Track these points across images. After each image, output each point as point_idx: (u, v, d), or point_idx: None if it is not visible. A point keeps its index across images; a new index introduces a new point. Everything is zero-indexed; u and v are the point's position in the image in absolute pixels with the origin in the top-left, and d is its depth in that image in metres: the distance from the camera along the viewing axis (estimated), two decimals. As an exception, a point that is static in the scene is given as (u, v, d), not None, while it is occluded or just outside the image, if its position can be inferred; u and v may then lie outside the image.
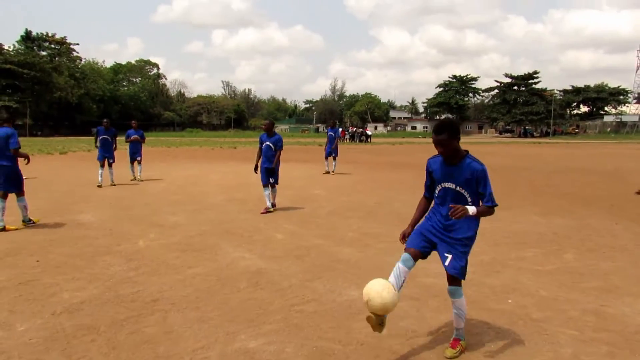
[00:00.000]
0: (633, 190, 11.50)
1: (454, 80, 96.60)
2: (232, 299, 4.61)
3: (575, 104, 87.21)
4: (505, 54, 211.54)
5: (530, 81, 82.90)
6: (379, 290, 3.27)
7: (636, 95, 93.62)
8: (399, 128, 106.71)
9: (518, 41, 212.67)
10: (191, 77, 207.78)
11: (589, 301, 4.50)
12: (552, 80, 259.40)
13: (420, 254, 3.53)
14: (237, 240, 6.95)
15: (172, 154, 27.70)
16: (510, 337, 3.77)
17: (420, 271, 5.05)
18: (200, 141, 47.79)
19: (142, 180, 13.78)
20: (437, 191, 3.63)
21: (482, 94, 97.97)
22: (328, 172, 16.27)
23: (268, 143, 9.27)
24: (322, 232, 7.44)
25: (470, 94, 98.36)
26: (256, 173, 9.43)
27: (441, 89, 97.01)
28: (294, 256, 6.09)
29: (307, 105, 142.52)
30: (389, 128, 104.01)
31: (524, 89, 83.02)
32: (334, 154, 16.43)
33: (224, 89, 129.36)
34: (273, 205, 9.39)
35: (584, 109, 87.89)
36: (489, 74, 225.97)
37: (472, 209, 3.35)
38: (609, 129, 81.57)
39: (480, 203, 3.46)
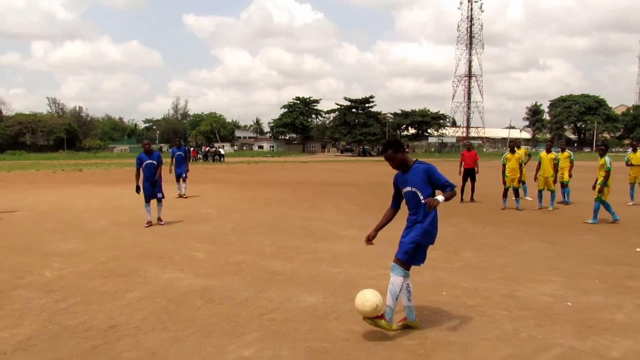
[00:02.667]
0: (478, 202, 13.56)
1: (298, 101, 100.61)
2: (197, 317, 4.61)
3: (404, 126, 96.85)
4: (340, 78, 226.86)
5: (367, 105, 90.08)
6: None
7: (452, 120, 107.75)
8: (244, 147, 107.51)
9: (351, 67, 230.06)
10: (5, 92, 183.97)
11: (501, 288, 5.45)
12: (382, 104, 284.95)
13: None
14: (158, 262, 6.74)
15: (7, 179, 24.50)
16: (460, 320, 4.46)
17: (363, 276, 5.58)
18: (29, 164, 42.58)
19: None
20: (404, 197, 4.28)
21: (324, 116, 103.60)
22: (181, 196, 14.84)
23: (151, 161, 9.91)
24: (239, 249, 7.56)
25: (314, 115, 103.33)
26: (138, 194, 9.93)
27: (286, 109, 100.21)
28: (229, 272, 6.17)
29: (148, 125, 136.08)
30: (235, 147, 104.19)
31: (361, 111, 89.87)
32: (184, 175, 15.19)
33: (50, 107, 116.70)
34: (159, 219, 9.99)
35: (412, 130, 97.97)
36: (326, 96, 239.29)
37: (440, 198, 4.01)
38: (433, 149, 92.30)
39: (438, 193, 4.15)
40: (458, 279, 5.79)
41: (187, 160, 15.65)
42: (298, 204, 13.74)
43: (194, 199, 14.74)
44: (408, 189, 4.20)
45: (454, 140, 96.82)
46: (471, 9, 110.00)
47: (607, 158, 10.15)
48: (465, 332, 4.20)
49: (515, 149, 12.64)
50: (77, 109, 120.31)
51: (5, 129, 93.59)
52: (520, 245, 7.84)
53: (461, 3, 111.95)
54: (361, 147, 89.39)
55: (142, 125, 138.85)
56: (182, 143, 16.99)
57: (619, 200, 13.59)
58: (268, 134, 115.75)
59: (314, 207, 12.83)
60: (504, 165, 12.51)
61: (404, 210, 4.40)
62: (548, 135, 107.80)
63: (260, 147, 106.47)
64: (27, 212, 11.87)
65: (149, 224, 9.77)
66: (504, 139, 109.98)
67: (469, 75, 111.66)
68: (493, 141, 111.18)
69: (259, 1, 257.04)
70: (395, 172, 4.39)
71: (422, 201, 4.10)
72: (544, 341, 4.00)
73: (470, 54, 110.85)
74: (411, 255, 4.16)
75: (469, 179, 13.57)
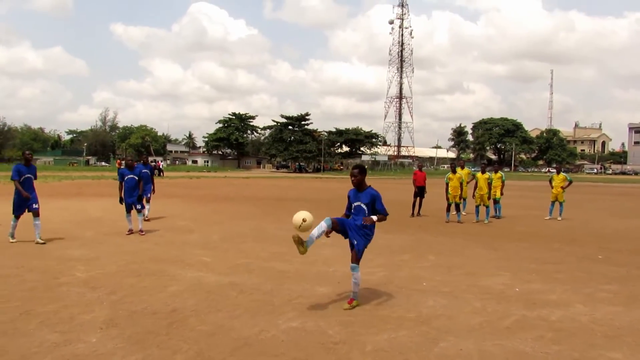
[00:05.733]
0: (424, 216, 15.39)
1: (234, 117, 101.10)
2: (239, 302, 5.76)
3: (338, 143, 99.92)
4: (273, 94, 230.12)
5: (303, 122, 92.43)
6: (300, 216, 5.48)
7: (383, 139, 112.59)
8: (177, 162, 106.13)
9: (284, 84, 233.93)
10: None
11: (465, 280, 7.01)
12: (315, 122, 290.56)
13: (337, 227, 5.64)
14: (174, 265, 7.73)
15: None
16: (442, 300, 5.93)
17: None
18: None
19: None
20: (352, 208, 5.91)
21: (259, 132, 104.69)
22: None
23: (132, 176, 10.99)
24: (238, 254, 8.67)
25: (249, 131, 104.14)
26: (122, 204, 10.96)
27: (221, 124, 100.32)
28: (243, 272, 7.31)
29: (72, 136, 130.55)
30: (168, 162, 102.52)
31: (297, 129, 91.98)
32: (148, 195, 13.56)
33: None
34: (140, 230, 10.88)
35: (345, 148, 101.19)
36: (260, 112, 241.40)
37: (374, 218, 5.70)
38: (366, 167, 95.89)
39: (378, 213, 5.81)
40: (431, 275, 7.30)
41: (152, 179, 14.30)
42: (263, 217, 14.89)
43: (162, 211, 15.43)
44: (358, 203, 5.84)
45: (386, 158, 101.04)
46: (402, 34, 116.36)
47: None
48: (448, 308, 5.68)
49: (458, 169, 14.58)
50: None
51: None
52: (470, 250, 9.54)
53: (392, 29, 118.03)
54: (297, 164, 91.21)
55: (65, 137, 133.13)
56: (149, 159, 16.72)
57: (540, 215, 15.90)
58: (201, 149, 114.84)
59: (280, 220, 14.02)
60: (447, 184, 14.37)
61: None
62: (471, 155, 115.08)
63: (195, 161, 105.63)
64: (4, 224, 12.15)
65: (130, 231, 10.82)
66: (431, 158, 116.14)
67: (400, 97, 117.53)
68: (422, 160, 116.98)
69: (192, 14, 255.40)
70: (348, 188, 6.05)
71: (366, 214, 5.75)
72: (505, 312, 5.55)
73: (401, 77, 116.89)
74: (361, 257, 5.76)
75: (418, 195, 15.36)
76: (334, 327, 4.97)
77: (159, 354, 4.24)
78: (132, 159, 11.68)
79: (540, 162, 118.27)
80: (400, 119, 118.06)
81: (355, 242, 5.67)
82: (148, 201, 14.23)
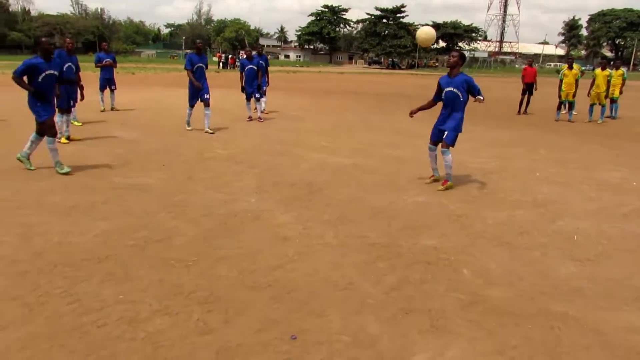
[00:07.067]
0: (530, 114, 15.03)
1: (326, 10, 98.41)
2: (365, 180, 6.46)
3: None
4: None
5: (398, 15, 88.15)
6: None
7: (484, 34, 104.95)
8: (270, 56, 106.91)
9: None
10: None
11: (579, 173, 7.18)
12: (411, 14, 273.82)
13: (437, 142, 6.23)
14: (298, 147, 8.54)
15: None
16: (556, 189, 6.23)
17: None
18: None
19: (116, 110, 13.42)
20: (443, 94, 6.13)
21: (352, 26, 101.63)
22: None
23: (251, 66, 11.61)
24: (354, 141, 9.31)
25: (342, 25, 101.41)
26: (243, 93, 11.82)
27: (313, 18, 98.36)
28: (362, 156, 7.97)
29: (170, 30, 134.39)
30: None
31: (392, 22, 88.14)
32: (264, 88, 12.80)
33: (73, 7, 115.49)
34: (260, 118, 11.85)
35: (442, 43, 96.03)
36: (352, 4, 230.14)
37: (480, 97, 5.81)
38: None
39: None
40: (544, 167, 7.53)
41: (267, 70, 13.52)
42: (366, 110, 15.32)
43: (271, 102, 16.29)
44: (450, 88, 6.01)
45: (486, 55, 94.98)
46: None
47: None
48: (563, 195, 5.99)
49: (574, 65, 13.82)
50: (99, 10, 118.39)
51: (35, 29, 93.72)
52: (583, 147, 9.48)
53: None
54: (390, 59, 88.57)
55: (164, 30, 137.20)
56: (262, 50, 14.92)
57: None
58: (293, 43, 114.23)
59: (384, 112, 14.42)
60: (560, 80, 13.76)
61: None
62: (583, 52, 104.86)
63: (287, 56, 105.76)
64: (138, 111, 13.62)
65: (250, 118, 11.85)
66: (536, 55, 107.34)
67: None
68: (525, 57, 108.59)
69: None
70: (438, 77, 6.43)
71: (461, 99, 5.98)
72: (622, 202, 5.77)
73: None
74: (455, 141, 6.07)
75: (527, 92, 14.91)
76: (455, 204, 5.53)
77: (310, 214, 5.06)
78: (250, 50, 12.18)
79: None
80: (505, 10, 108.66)
81: (446, 133, 6.04)
82: (264, 94, 13.85)
